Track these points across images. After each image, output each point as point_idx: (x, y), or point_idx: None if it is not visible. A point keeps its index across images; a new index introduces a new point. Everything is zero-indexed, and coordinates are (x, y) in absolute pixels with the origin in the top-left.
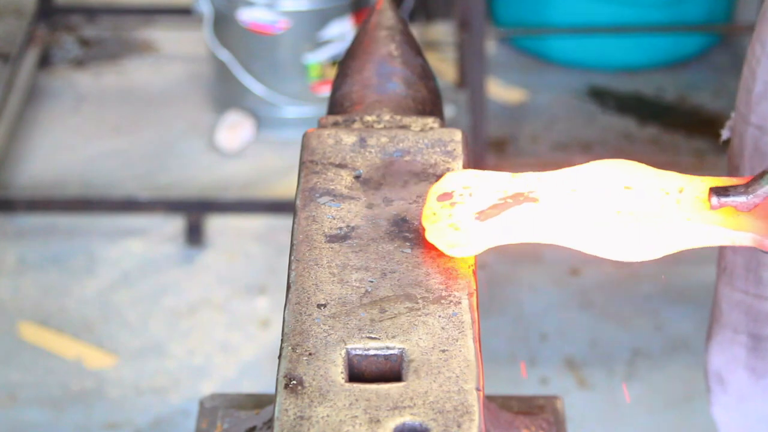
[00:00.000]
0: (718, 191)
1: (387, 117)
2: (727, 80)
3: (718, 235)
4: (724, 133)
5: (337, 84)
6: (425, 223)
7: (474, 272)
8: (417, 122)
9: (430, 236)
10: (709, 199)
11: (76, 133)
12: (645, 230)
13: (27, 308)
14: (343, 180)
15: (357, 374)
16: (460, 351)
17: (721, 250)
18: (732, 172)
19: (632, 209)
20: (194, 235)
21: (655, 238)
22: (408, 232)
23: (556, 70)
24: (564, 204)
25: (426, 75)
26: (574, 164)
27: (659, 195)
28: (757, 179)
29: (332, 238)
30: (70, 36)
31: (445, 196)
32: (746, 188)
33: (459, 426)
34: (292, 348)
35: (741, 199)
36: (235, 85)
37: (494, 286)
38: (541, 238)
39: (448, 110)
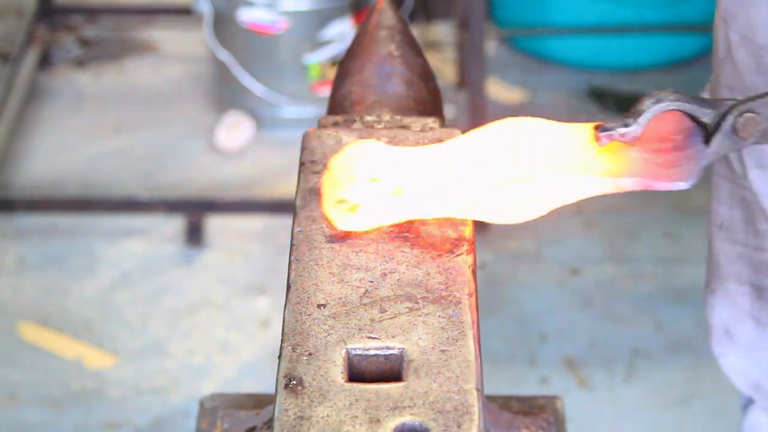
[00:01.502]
0: (603, 128)
1: (387, 117)
2: None
3: (601, 184)
4: (704, 95)
5: (337, 84)
6: (325, 194)
7: (474, 272)
8: (417, 122)
9: (327, 209)
10: (596, 139)
11: (76, 133)
12: (524, 192)
13: (27, 308)
14: None
15: (357, 374)
16: (460, 351)
17: (715, 207)
18: None
19: (512, 173)
20: (194, 235)
21: (535, 198)
22: (408, 232)
23: (556, 70)
24: (445, 177)
25: (426, 75)
26: None
27: (543, 152)
28: (639, 104)
29: (332, 238)
30: (70, 36)
31: (344, 168)
32: (628, 116)
33: (459, 426)
34: (292, 348)
35: (627, 129)
36: (235, 85)
37: (494, 286)
38: (424, 214)
39: (448, 110)
